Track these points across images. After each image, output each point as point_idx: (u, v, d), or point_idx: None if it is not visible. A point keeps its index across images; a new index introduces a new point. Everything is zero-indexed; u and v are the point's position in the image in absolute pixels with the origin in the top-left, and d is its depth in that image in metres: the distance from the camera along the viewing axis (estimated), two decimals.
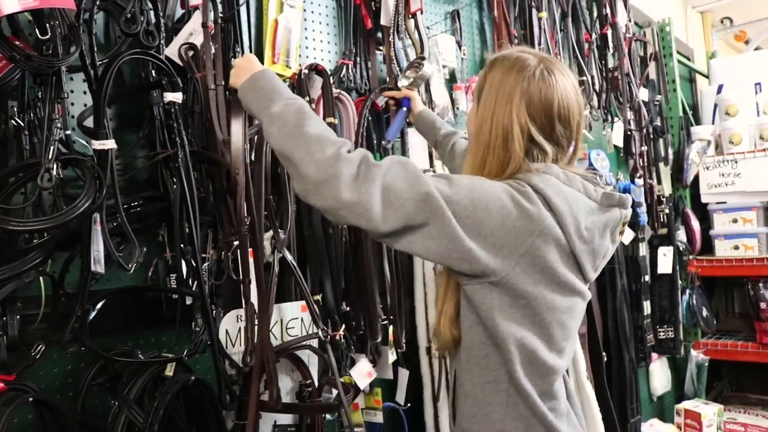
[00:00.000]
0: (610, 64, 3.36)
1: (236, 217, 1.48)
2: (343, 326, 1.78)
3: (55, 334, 1.32)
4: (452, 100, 2.35)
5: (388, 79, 2.10)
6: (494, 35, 2.71)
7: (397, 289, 1.96)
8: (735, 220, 3.77)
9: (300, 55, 1.92)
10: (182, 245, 1.48)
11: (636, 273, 3.38)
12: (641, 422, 3.26)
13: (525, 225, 1.12)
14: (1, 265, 1.19)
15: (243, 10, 1.75)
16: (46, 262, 1.29)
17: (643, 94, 3.56)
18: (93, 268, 1.29)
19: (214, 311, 1.53)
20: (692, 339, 3.89)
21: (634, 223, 3.29)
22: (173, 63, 1.52)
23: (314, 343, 1.66)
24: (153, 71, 1.50)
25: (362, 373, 1.83)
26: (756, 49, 5.25)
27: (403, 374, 2.03)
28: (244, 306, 1.50)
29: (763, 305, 3.63)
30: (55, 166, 1.21)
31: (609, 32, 3.30)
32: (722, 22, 5.22)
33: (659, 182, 3.66)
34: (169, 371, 1.42)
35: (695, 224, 3.86)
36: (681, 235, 3.79)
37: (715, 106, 4.10)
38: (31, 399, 1.21)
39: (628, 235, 3.26)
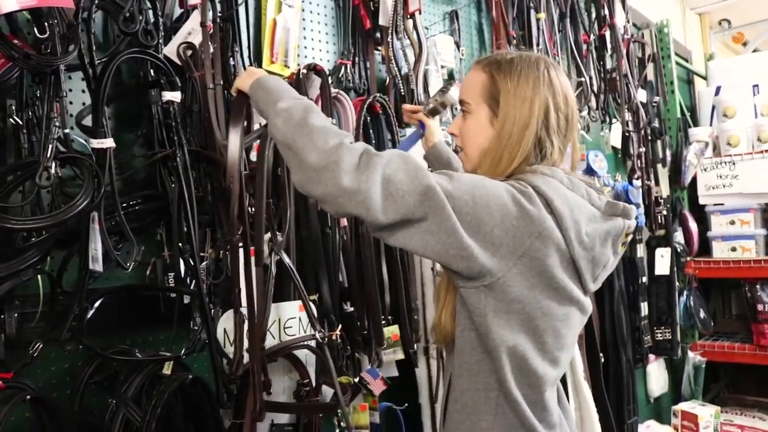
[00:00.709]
0: (609, 65, 3.36)
1: (228, 225, 1.47)
2: (340, 326, 1.78)
3: (53, 332, 1.32)
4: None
5: (387, 80, 2.11)
6: (493, 36, 2.71)
7: (403, 289, 1.96)
8: (732, 222, 3.77)
9: (298, 55, 1.92)
10: (180, 244, 1.48)
11: (633, 274, 3.38)
12: (638, 423, 3.27)
13: (525, 226, 1.11)
14: None
15: (242, 9, 1.75)
16: (45, 261, 1.29)
17: (641, 96, 3.57)
18: (91, 267, 1.29)
19: (212, 310, 1.53)
20: (689, 340, 3.89)
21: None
22: (171, 62, 1.52)
23: (312, 343, 1.66)
24: (151, 70, 1.50)
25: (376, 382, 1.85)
26: (754, 51, 5.26)
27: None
28: (233, 315, 1.49)
29: (760, 307, 3.63)
30: (53, 164, 1.21)
31: (607, 33, 3.30)
32: (720, 23, 5.23)
33: (657, 183, 3.67)
34: (167, 370, 1.42)
35: (693, 226, 3.86)
36: (678, 236, 3.79)
37: (713, 107, 4.10)
38: (28, 397, 1.21)
39: None
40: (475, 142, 1.30)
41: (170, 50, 1.53)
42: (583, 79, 3.04)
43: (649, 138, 3.64)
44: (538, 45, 2.71)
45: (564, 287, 1.17)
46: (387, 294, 1.92)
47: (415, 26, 2.14)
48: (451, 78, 2.46)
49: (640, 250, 3.42)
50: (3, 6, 1.08)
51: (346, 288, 1.86)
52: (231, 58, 1.66)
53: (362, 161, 1.08)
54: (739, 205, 3.77)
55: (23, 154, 1.28)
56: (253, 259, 1.48)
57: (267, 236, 1.56)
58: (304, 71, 1.79)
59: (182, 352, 1.46)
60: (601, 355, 2.82)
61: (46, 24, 1.22)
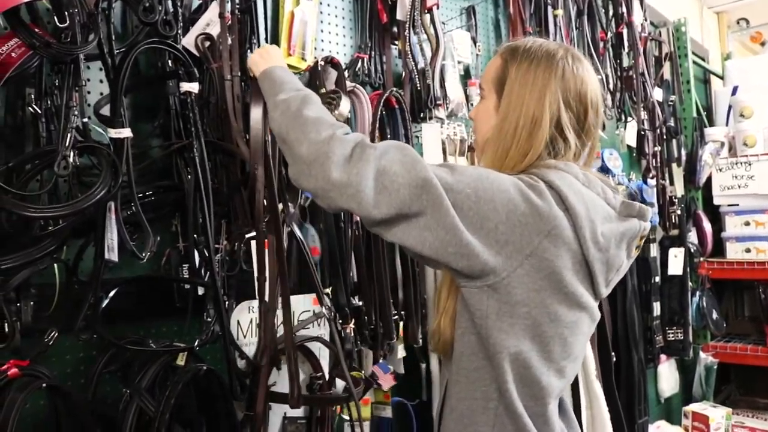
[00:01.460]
0: (625, 63, 3.33)
1: (253, 213, 1.45)
2: (353, 321, 1.78)
3: (68, 321, 1.33)
4: (466, 96, 2.34)
5: (403, 74, 2.10)
6: (509, 32, 2.70)
7: (411, 284, 1.95)
8: (747, 223, 3.74)
9: (315, 48, 1.91)
10: (195, 235, 1.48)
11: (646, 274, 3.35)
12: (649, 423, 3.25)
13: (533, 222, 1.05)
14: (16, 252, 1.19)
15: (260, 1, 1.74)
16: (61, 249, 1.30)
17: (657, 94, 3.54)
18: (107, 256, 1.29)
19: (226, 302, 1.53)
20: (701, 341, 3.86)
21: None
22: (189, 53, 1.52)
23: (325, 334, 1.66)
24: (169, 61, 1.50)
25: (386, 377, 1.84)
26: None
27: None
28: (258, 303, 1.49)
29: None
30: (71, 153, 1.21)
31: (624, 31, 3.27)
32: (738, 23, 5.18)
33: (671, 183, 3.63)
34: (181, 361, 1.42)
35: (707, 226, 3.83)
36: (692, 236, 3.76)
37: (730, 107, 4.06)
38: (44, 385, 1.21)
39: None
40: (482, 130, 1.26)
41: (188, 41, 1.53)
42: (599, 77, 3.01)
43: (665, 137, 3.61)
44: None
45: (574, 292, 1.10)
46: (400, 289, 1.92)
47: (432, 21, 2.13)
48: (467, 74, 2.45)
49: (654, 250, 3.39)
50: None
51: (357, 282, 1.86)
52: (249, 50, 1.65)
53: (355, 153, 1.04)
54: (754, 206, 3.74)
55: (41, 143, 1.28)
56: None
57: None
58: (322, 63, 1.79)
59: (196, 343, 1.45)
60: (612, 354, 2.80)
61: (66, 13, 1.21)
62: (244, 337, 1.56)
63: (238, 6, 1.61)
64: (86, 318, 1.33)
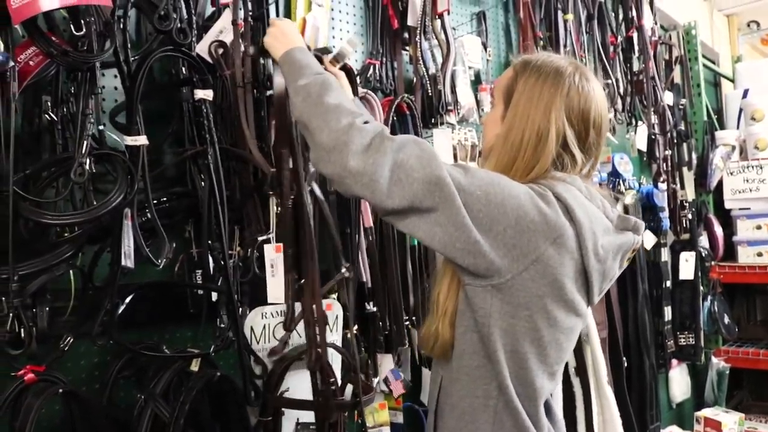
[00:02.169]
0: (635, 67, 3.33)
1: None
2: (356, 327, 1.77)
3: (84, 326, 1.33)
4: (477, 102, 2.34)
5: (414, 80, 2.10)
6: (519, 37, 2.70)
7: (420, 288, 1.95)
8: (759, 227, 3.72)
9: None
10: (209, 241, 1.49)
11: (657, 278, 3.34)
12: (660, 429, 3.24)
13: (541, 229, 1.09)
14: (33, 258, 1.20)
15: (272, 8, 1.75)
16: (77, 256, 1.30)
17: (667, 98, 3.53)
18: (123, 263, 1.30)
19: (240, 308, 1.53)
20: (713, 346, 3.85)
21: (656, 228, 3.27)
22: (203, 60, 1.53)
23: (338, 339, 1.66)
24: (183, 68, 1.51)
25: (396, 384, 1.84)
26: None
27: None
28: (285, 275, 1.47)
29: None
30: (88, 160, 1.23)
31: (634, 35, 3.26)
32: (749, 25, 5.16)
33: (682, 187, 3.62)
34: (195, 366, 1.43)
35: (718, 230, 3.82)
36: (703, 240, 3.75)
37: (741, 110, 4.05)
38: (61, 390, 1.22)
39: (650, 240, 3.23)
40: (488, 136, 1.31)
41: (202, 48, 1.53)
42: (609, 81, 3.01)
43: (675, 141, 3.60)
44: (565, 46, 2.69)
45: (572, 299, 1.14)
46: (411, 294, 1.92)
47: (443, 27, 2.13)
48: (477, 79, 2.45)
49: (665, 254, 3.38)
50: (43, 4, 1.09)
51: (370, 288, 1.86)
52: (261, 57, 1.66)
53: (374, 143, 1.08)
54: (765, 210, 3.73)
55: (58, 150, 1.29)
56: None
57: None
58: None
59: (210, 349, 1.46)
60: (624, 359, 2.79)
61: (82, 21, 1.22)
62: (258, 342, 1.57)
63: (251, 13, 1.62)
64: (102, 323, 1.34)
